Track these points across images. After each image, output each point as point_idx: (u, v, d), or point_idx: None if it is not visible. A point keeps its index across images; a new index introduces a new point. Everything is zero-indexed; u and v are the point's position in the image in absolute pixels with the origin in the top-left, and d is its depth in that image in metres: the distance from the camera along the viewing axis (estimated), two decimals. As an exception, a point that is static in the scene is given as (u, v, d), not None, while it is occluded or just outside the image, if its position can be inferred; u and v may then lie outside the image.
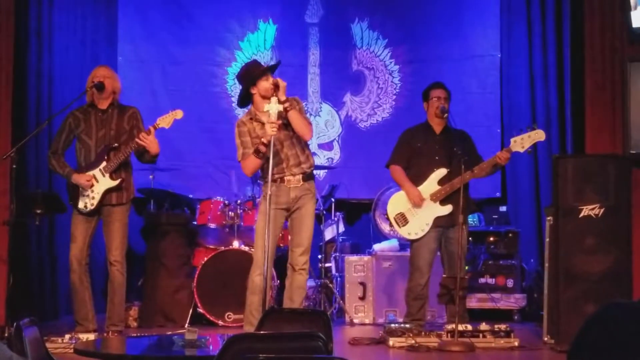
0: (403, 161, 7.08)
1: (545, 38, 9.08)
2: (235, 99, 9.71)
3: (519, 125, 7.00)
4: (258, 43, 9.90)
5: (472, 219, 8.55)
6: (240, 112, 7.65)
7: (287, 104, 6.20)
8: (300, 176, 6.43)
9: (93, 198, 6.77)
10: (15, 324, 3.64)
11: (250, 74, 6.46)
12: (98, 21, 9.37)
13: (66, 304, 8.16)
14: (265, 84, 6.32)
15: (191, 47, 9.77)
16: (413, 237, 6.95)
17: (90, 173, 6.77)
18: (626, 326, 2.26)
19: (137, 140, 6.71)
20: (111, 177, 6.79)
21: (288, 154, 6.42)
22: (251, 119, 6.48)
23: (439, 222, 6.88)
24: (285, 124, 6.35)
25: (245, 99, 6.57)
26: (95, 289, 7.27)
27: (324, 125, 9.91)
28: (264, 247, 6.09)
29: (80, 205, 6.80)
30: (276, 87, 6.19)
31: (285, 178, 6.40)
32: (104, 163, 6.78)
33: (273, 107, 6.07)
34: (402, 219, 6.94)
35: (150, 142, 6.73)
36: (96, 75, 6.89)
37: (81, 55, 8.89)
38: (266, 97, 6.29)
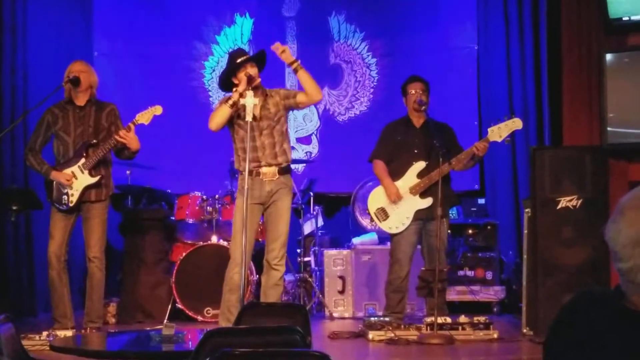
0: (385, 155, 7.10)
1: (522, 30, 9.13)
2: (212, 93, 9.73)
3: (496, 117, 7.01)
4: (235, 37, 9.91)
5: (451, 212, 8.60)
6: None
7: (296, 63, 6.28)
8: (276, 169, 6.35)
9: (72, 195, 6.75)
10: (-11, 320, 3.64)
11: (232, 63, 6.42)
12: (73, 15, 9.35)
13: (44, 301, 8.16)
14: (241, 75, 6.27)
15: (168, 41, 9.77)
16: (394, 231, 6.97)
17: (69, 170, 6.75)
18: (600, 313, 2.30)
19: (116, 137, 6.70)
20: (90, 174, 6.77)
21: (265, 143, 6.35)
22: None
23: (419, 215, 6.91)
24: (265, 114, 6.32)
25: (227, 85, 6.51)
26: (72, 286, 7.25)
27: (302, 119, 9.93)
28: (241, 243, 6.09)
29: (59, 202, 6.78)
30: (249, 80, 6.16)
31: (260, 171, 6.32)
32: (83, 160, 6.75)
33: (248, 101, 6.01)
34: (383, 214, 6.97)
35: (130, 139, 6.72)
36: (72, 70, 6.86)
37: (56, 50, 8.86)
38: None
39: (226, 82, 6.48)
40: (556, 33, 8.39)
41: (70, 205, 6.76)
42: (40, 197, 7.15)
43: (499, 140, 6.83)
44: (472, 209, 8.98)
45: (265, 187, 6.35)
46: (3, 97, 8.04)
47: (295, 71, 6.29)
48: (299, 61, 6.36)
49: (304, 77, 6.33)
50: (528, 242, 6.83)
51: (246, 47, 9.74)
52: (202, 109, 9.63)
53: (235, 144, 6.47)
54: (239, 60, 6.33)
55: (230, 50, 6.83)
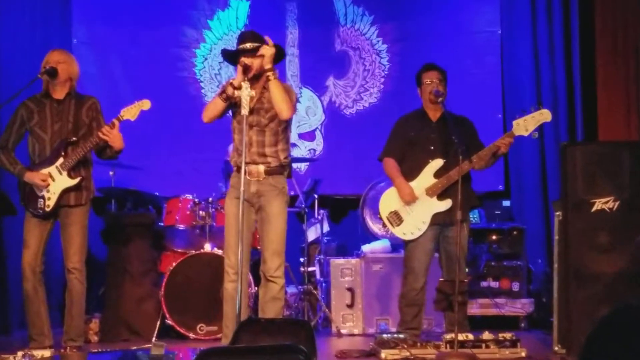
0: (397, 153, 7.08)
1: (550, 11, 9.13)
2: (205, 84, 9.73)
3: (522, 109, 6.99)
4: (229, 22, 9.92)
5: (473, 216, 8.59)
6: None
7: (272, 72, 6.20)
8: (263, 168, 6.32)
9: (49, 199, 6.73)
10: (-39, 340, 3.65)
11: (234, 49, 6.43)
12: (49, 0, 9.35)
13: (18, 318, 8.15)
14: (239, 66, 6.24)
15: (154, 27, 9.78)
16: (409, 237, 6.94)
17: (46, 171, 6.72)
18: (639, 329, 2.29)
19: (99, 134, 6.69)
20: (69, 175, 6.74)
21: (253, 138, 6.32)
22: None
23: (436, 219, 6.88)
24: (259, 108, 6.32)
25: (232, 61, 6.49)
26: (50, 300, 7.23)
27: (304, 113, 9.93)
28: (234, 248, 6.09)
29: (34, 207, 6.76)
30: (245, 70, 6.16)
31: (247, 168, 6.23)
32: (61, 159, 6.73)
33: (244, 94, 5.99)
34: (396, 218, 6.95)
35: (114, 136, 6.71)
36: (49, 60, 6.81)
37: (31, 38, 8.87)
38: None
39: (230, 60, 6.54)
40: (589, 15, 8.37)
41: (47, 210, 6.73)
42: (13, 201, 7.14)
43: (526, 134, 6.81)
44: (496, 212, 8.97)
45: (251, 187, 6.31)
46: (-28, 91, 8.05)
47: (268, 79, 6.23)
48: (277, 72, 6.31)
49: (273, 88, 6.20)
50: (559, 249, 6.82)
51: (242, 33, 9.74)
52: (193, 102, 9.65)
53: (232, 134, 6.49)
54: (239, 47, 6.34)
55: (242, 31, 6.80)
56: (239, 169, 6.11)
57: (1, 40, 8.46)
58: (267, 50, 6.21)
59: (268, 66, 6.21)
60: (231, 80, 6.25)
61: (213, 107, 6.33)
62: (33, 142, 6.85)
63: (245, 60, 6.20)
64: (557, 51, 9.01)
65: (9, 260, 8.18)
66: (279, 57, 6.49)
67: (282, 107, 6.22)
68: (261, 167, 6.32)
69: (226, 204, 6.46)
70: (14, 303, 8.23)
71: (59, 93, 6.88)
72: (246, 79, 6.12)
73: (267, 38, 6.29)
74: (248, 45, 6.28)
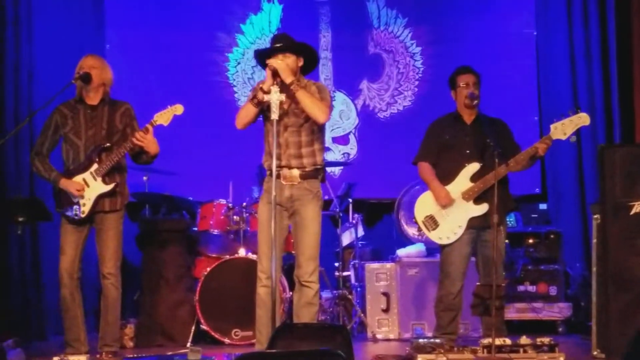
0: (432, 157, 7.07)
1: (586, 12, 9.09)
2: (238, 89, 9.76)
3: (559, 112, 6.96)
4: (262, 25, 9.95)
5: (509, 219, 8.57)
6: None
7: (293, 85, 6.14)
8: (298, 172, 6.32)
9: (84, 205, 6.78)
10: (-3, 345, 3.69)
11: (266, 49, 6.42)
12: (83, 5, 9.43)
13: (54, 323, 8.21)
14: (267, 68, 6.21)
15: (187, 31, 9.83)
16: (445, 241, 6.93)
17: (80, 177, 6.77)
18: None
19: (133, 140, 6.72)
20: (104, 181, 6.79)
21: (289, 140, 6.32)
22: None
23: (473, 223, 6.86)
24: (294, 108, 6.30)
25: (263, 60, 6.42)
26: (86, 306, 7.28)
27: (338, 117, 9.94)
28: (267, 253, 6.11)
29: (70, 213, 6.81)
30: (274, 74, 6.13)
31: (281, 173, 6.28)
32: (95, 165, 6.78)
33: (274, 97, 5.95)
34: (432, 222, 6.93)
35: (148, 142, 6.75)
36: (83, 65, 6.87)
37: (65, 44, 8.92)
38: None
39: (262, 62, 6.45)
40: (626, 15, 8.33)
41: (82, 216, 6.78)
42: (48, 207, 7.19)
43: (563, 138, 6.77)
44: (533, 215, 8.94)
45: (285, 192, 6.32)
46: (6, 97, 8.11)
47: (292, 92, 6.17)
48: (302, 79, 6.28)
49: (302, 97, 6.17)
50: (597, 253, 6.79)
51: (274, 37, 9.76)
52: (227, 107, 9.68)
53: (264, 138, 6.48)
54: (271, 47, 6.34)
55: (275, 33, 6.75)
56: (272, 173, 6.11)
57: (35, 46, 8.52)
58: (279, 65, 6.15)
59: (288, 80, 6.15)
60: (261, 85, 6.23)
61: (245, 113, 6.31)
62: (67, 148, 6.90)
63: (273, 62, 6.18)
64: (593, 52, 8.97)
65: (45, 266, 8.25)
66: (313, 63, 6.48)
67: (315, 114, 6.21)
68: (295, 172, 6.32)
69: (259, 208, 6.47)
70: (49, 309, 8.30)
71: (93, 99, 6.92)
72: (275, 82, 6.09)
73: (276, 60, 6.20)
74: (277, 45, 6.28)
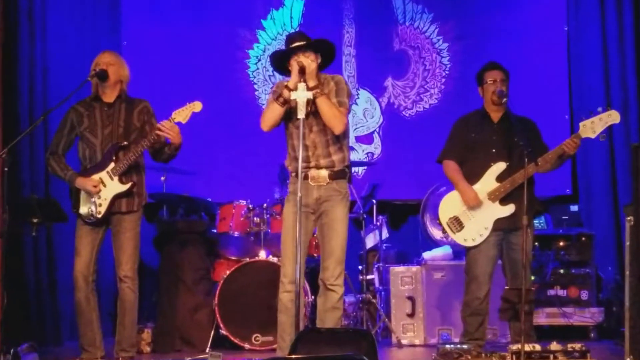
0: (457, 155, 7.06)
1: (620, 5, 9.05)
2: (258, 86, 9.78)
3: (590, 110, 6.94)
4: (284, 21, 9.97)
5: (538, 221, 8.54)
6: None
7: (315, 90, 6.09)
8: (327, 172, 6.29)
9: (100, 205, 6.81)
10: (12, 350, 3.71)
11: (284, 49, 6.37)
12: (99, 0, 9.46)
13: (69, 327, 8.27)
14: (293, 65, 6.18)
15: (206, 28, 9.86)
16: (470, 243, 6.93)
17: (97, 176, 6.81)
18: None
19: (156, 133, 6.71)
20: (120, 181, 6.81)
21: (316, 141, 6.30)
22: None
23: (499, 225, 6.86)
24: (316, 110, 6.28)
25: (281, 68, 6.43)
26: (102, 310, 7.30)
27: (362, 115, 9.95)
28: (291, 257, 6.11)
29: (85, 213, 6.84)
30: (302, 71, 6.10)
31: (309, 173, 6.29)
32: (112, 164, 6.81)
33: (300, 95, 5.96)
34: (457, 224, 6.93)
35: (175, 132, 6.74)
36: (99, 62, 6.90)
37: (80, 40, 8.98)
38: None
39: (279, 64, 6.46)
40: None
41: (98, 217, 6.81)
42: (64, 208, 7.23)
43: (593, 136, 6.76)
44: (563, 217, 8.92)
45: (313, 193, 6.31)
46: (20, 94, 8.15)
47: (314, 98, 6.13)
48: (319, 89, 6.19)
49: (322, 105, 6.12)
50: (630, 256, 6.75)
51: (296, 33, 9.76)
52: (247, 105, 9.71)
53: (286, 139, 6.47)
54: (292, 46, 6.26)
55: (289, 33, 6.71)
56: (297, 174, 6.11)
57: (49, 42, 8.56)
58: (309, 64, 6.12)
59: (312, 83, 6.11)
60: (286, 83, 6.18)
61: (271, 113, 6.25)
62: (83, 147, 6.94)
63: (302, 60, 6.13)
64: (627, 49, 8.93)
65: (60, 268, 8.29)
66: (330, 57, 6.42)
67: (333, 124, 6.17)
68: (324, 172, 6.30)
69: (285, 211, 6.42)
70: (65, 313, 8.35)
71: (109, 96, 6.95)
72: (302, 79, 6.07)
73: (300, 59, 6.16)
74: (303, 42, 6.22)
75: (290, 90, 6.07)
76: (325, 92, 6.18)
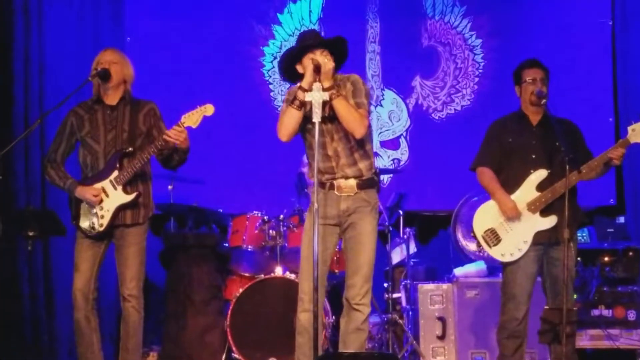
0: (493, 162, 7.02)
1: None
2: (274, 86, 9.78)
3: (638, 112, 6.91)
4: (302, 15, 9.98)
5: (581, 234, 8.51)
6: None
7: (331, 92, 6.02)
8: (355, 182, 6.24)
9: (102, 217, 6.79)
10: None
11: (296, 47, 6.29)
12: (99, -9, 9.51)
13: (67, 350, 8.28)
14: (306, 62, 6.10)
15: (217, 22, 9.88)
16: (508, 258, 6.89)
17: (99, 185, 6.78)
18: None
19: (165, 138, 6.66)
20: (125, 191, 6.78)
21: (338, 150, 6.25)
22: None
23: (539, 238, 6.81)
24: (334, 115, 6.23)
25: (291, 74, 6.33)
26: (103, 331, 7.32)
27: (387, 118, 9.95)
28: (310, 274, 6.08)
29: (86, 226, 6.81)
30: (317, 69, 6.03)
31: (335, 183, 6.25)
32: (116, 172, 6.77)
33: (316, 96, 5.87)
34: (493, 237, 6.90)
35: (183, 137, 6.67)
36: (101, 61, 6.86)
37: (80, 35, 9.00)
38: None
39: (288, 71, 6.37)
40: None
41: (100, 230, 6.79)
42: (62, 220, 7.23)
43: (643, 141, 6.74)
44: (609, 230, 8.88)
45: (340, 205, 6.27)
46: (14, 96, 8.18)
47: (330, 99, 6.04)
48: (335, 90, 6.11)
49: (339, 107, 6.05)
50: (682, 273, 6.75)
51: (316, 27, 9.78)
52: (262, 107, 9.72)
53: (306, 150, 6.44)
54: (305, 44, 6.20)
55: (302, 31, 6.66)
56: (322, 184, 6.11)
57: (46, 38, 8.59)
58: (325, 63, 6.05)
59: (327, 84, 6.03)
60: (300, 83, 6.10)
61: (288, 119, 6.17)
62: (85, 154, 6.89)
63: (318, 57, 6.06)
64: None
65: (58, 285, 8.32)
66: (344, 57, 6.33)
67: (352, 127, 6.11)
68: (352, 181, 6.25)
69: (307, 224, 6.36)
70: (62, 334, 8.36)
71: (112, 98, 6.92)
72: (317, 79, 5.99)
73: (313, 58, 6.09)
74: (318, 40, 6.17)
75: (305, 90, 6.00)
76: (342, 94, 6.14)
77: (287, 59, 6.33)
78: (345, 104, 6.08)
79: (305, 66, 6.10)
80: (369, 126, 6.31)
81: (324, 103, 5.94)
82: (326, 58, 6.09)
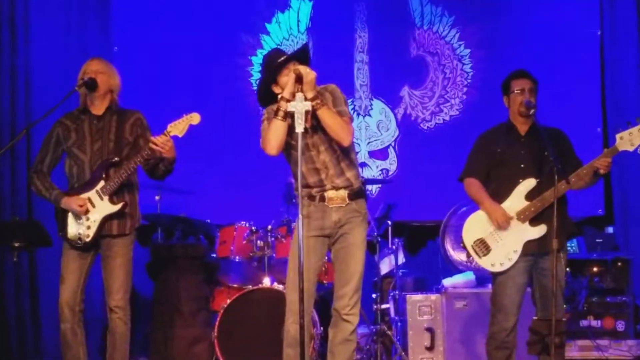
0: (481, 172, 7.01)
1: (659, 8, 9.07)
2: (262, 97, 9.76)
3: (625, 122, 6.90)
4: (290, 25, 9.97)
5: (570, 245, 8.51)
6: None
7: (315, 102, 5.97)
8: (346, 192, 6.21)
9: (89, 227, 6.76)
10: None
11: (269, 68, 6.24)
12: (87, 2, 9.46)
13: (53, 362, 8.26)
14: (284, 80, 6.08)
15: (205, 32, 9.87)
16: (498, 268, 6.86)
17: (85, 196, 6.75)
18: None
19: (151, 147, 6.61)
20: (111, 201, 6.75)
21: (326, 161, 6.22)
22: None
23: (529, 248, 6.79)
24: (317, 126, 6.20)
25: (268, 98, 6.31)
26: (89, 343, 7.26)
27: (375, 128, 9.94)
28: (297, 286, 6.05)
29: (73, 236, 6.79)
30: (298, 79, 5.97)
31: (325, 195, 6.21)
32: (102, 183, 6.74)
33: (298, 106, 5.77)
34: (483, 247, 6.88)
35: (168, 147, 6.63)
36: (87, 70, 6.84)
37: (66, 46, 8.99)
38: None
39: (266, 95, 6.32)
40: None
41: (87, 240, 6.76)
42: (49, 230, 7.21)
43: (631, 149, 6.69)
44: (597, 240, 8.89)
45: (331, 216, 6.23)
46: (1, 105, 8.15)
47: (314, 110, 5.98)
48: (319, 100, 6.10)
49: (325, 116, 6.02)
50: (672, 283, 6.75)
51: (304, 38, 9.78)
52: (250, 117, 9.68)
53: (291, 168, 6.40)
54: (280, 60, 6.15)
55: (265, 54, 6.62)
56: (311, 197, 6.10)
57: (32, 49, 8.59)
58: (307, 73, 5.97)
59: (310, 94, 5.96)
60: (282, 94, 6.02)
61: (274, 132, 6.07)
62: (71, 164, 6.86)
63: (300, 68, 5.98)
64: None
65: (44, 297, 8.29)
66: (308, 63, 6.27)
67: (340, 136, 6.08)
68: (343, 192, 6.22)
69: (294, 235, 6.36)
70: (48, 346, 8.34)
71: (99, 108, 6.90)
72: (300, 89, 5.92)
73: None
74: (288, 55, 6.15)
75: (287, 101, 5.92)
76: (326, 103, 6.11)
77: (262, 86, 6.32)
78: (331, 113, 6.06)
79: (283, 83, 6.06)
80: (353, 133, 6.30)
81: (306, 114, 5.89)
82: (307, 69, 6.07)
